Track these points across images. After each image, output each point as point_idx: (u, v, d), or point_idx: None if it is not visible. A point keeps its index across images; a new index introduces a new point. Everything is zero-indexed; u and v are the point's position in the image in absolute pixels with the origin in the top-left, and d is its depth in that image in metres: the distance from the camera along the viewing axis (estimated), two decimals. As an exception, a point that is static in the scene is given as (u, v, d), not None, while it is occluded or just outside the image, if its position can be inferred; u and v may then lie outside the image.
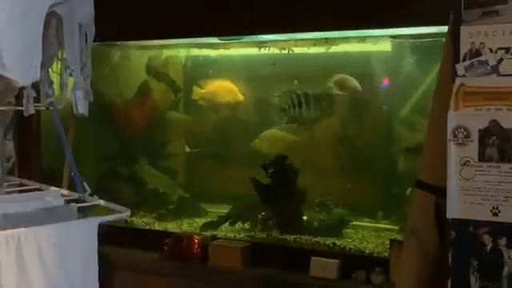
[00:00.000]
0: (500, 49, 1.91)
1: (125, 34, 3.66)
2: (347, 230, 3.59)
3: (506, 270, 1.89)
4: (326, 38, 3.59)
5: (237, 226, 3.78)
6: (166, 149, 4.38)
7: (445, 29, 2.13)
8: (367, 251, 3.26)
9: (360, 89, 3.66)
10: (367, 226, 3.68)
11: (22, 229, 1.69)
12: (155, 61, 4.32)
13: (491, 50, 1.91)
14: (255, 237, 3.59)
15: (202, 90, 4.14)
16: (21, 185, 2.26)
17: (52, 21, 1.97)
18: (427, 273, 2.18)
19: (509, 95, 1.89)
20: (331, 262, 3.14)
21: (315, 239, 3.45)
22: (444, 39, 2.16)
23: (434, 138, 2.16)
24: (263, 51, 3.87)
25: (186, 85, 4.33)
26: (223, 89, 4.08)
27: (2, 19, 1.73)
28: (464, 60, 1.95)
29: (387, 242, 3.14)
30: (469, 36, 1.94)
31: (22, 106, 1.99)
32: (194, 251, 3.42)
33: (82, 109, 2.09)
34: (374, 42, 3.64)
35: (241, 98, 4.06)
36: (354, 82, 3.67)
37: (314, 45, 3.73)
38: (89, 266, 1.84)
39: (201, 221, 3.94)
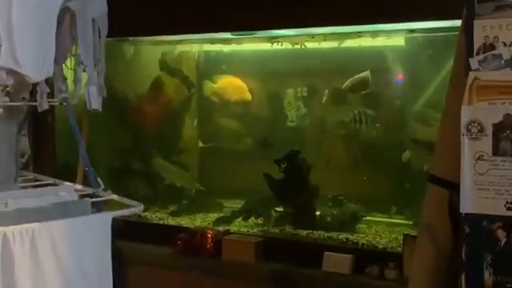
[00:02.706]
0: (514, 43, 1.89)
1: (138, 29, 3.67)
2: (360, 225, 3.59)
3: (519, 265, 1.88)
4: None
5: (250, 220, 3.78)
6: (179, 144, 4.40)
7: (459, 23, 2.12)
8: (380, 246, 3.26)
9: (370, 83, 3.65)
10: (380, 221, 3.68)
11: (37, 223, 1.70)
12: (168, 56, 4.33)
13: (505, 44, 1.90)
14: (268, 232, 3.59)
15: (215, 85, 4.15)
16: (35, 180, 2.27)
17: (65, 17, 1.98)
18: (440, 267, 2.18)
19: (523, 89, 1.88)
20: (344, 257, 3.14)
21: (328, 234, 3.44)
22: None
23: (447, 132, 2.15)
24: (276, 46, 3.87)
25: (198, 80, 4.34)
26: (232, 86, 4.10)
27: (15, 16, 1.74)
28: (478, 54, 1.94)
29: (400, 237, 3.14)
30: (482, 30, 1.92)
31: (36, 101, 2.00)
32: (208, 246, 3.43)
33: (96, 104, 2.10)
34: (388, 37, 3.63)
35: (249, 96, 4.07)
36: (367, 79, 3.67)
37: (324, 40, 3.72)
38: (103, 260, 1.85)
39: (214, 216, 3.95)
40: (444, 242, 2.17)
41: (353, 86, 3.67)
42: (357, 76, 3.66)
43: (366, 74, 3.65)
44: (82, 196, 2.00)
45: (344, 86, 3.70)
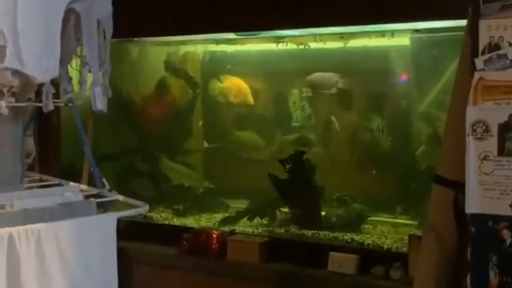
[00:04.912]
0: (520, 42, 1.89)
1: (143, 30, 3.67)
2: (365, 226, 3.58)
3: (525, 265, 1.87)
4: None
5: (255, 221, 3.78)
6: (184, 144, 4.40)
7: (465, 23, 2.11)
8: (386, 246, 3.25)
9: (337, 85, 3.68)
10: (386, 221, 3.67)
11: (42, 224, 1.71)
12: (173, 57, 4.33)
13: (510, 44, 1.89)
14: (273, 232, 3.59)
15: (222, 85, 4.16)
16: (41, 180, 2.28)
17: (70, 18, 1.98)
18: (446, 268, 2.17)
19: (529, 89, 1.87)
20: (350, 257, 3.13)
21: (333, 234, 3.44)
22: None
23: (452, 132, 2.15)
24: (281, 46, 3.87)
25: (203, 80, 4.35)
26: (237, 87, 4.10)
27: (21, 17, 1.75)
28: (483, 54, 1.93)
29: (406, 238, 3.13)
30: (487, 30, 1.92)
31: (41, 102, 2.00)
32: (213, 246, 3.43)
33: (101, 105, 2.10)
34: (390, 37, 3.62)
35: (251, 98, 4.07)
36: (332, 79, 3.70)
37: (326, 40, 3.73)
38: (108, 261, 1.86)
39: (219, 216, 3.95)
40: (449, 242, 2.16)
41: (315, 83, 3.68)
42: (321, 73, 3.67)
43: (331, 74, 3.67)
44: (88, 196, 2.00)
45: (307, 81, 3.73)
